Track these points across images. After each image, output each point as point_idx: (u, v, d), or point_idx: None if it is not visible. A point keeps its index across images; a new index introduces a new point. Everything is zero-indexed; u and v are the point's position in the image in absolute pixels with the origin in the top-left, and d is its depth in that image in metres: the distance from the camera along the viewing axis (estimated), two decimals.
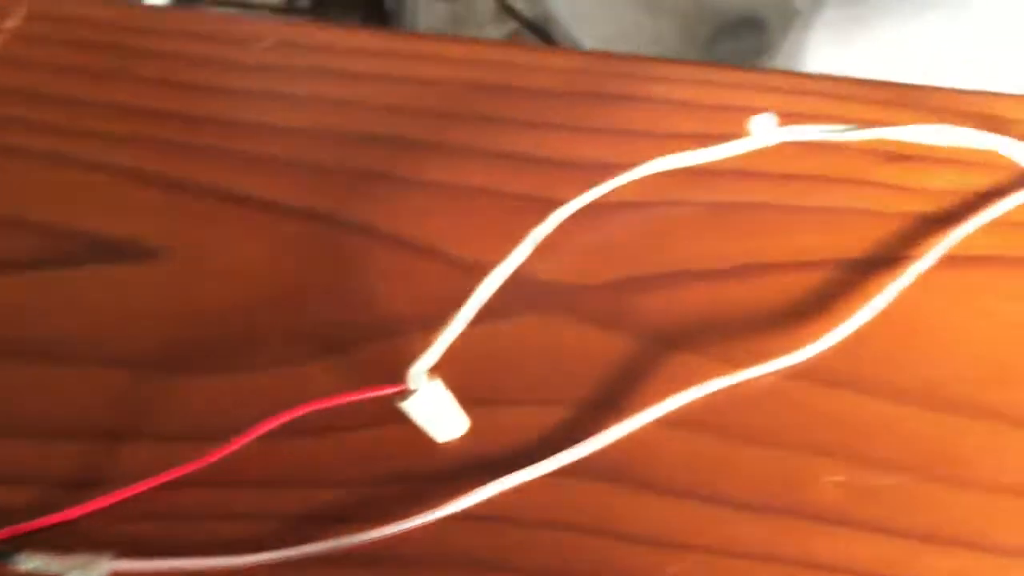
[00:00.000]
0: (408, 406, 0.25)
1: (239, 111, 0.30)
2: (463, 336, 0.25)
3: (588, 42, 1.03)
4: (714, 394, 0.26)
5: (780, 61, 0.78)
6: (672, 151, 0.27)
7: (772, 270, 0.28)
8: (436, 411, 0.25)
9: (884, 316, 0.27)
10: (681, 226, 0.28)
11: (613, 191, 0.27)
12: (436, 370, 0.25)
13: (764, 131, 0.27)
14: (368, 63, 0.31)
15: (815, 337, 0.27)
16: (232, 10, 1.16)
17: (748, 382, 0.26)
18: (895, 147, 0.29)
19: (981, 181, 0.29)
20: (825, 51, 0.69)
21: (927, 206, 0.29)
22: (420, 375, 0.24)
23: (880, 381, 0.27)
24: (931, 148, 0.29)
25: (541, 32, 1.20)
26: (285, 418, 0.24)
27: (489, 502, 0.25)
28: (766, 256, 0.28)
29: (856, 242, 0.28)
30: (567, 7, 1.05)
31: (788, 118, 0.29)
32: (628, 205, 0.28)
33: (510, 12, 1.21)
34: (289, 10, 1.20)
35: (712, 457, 0.26)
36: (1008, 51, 0.61)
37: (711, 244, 0.28)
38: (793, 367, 0.27)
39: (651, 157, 0.27)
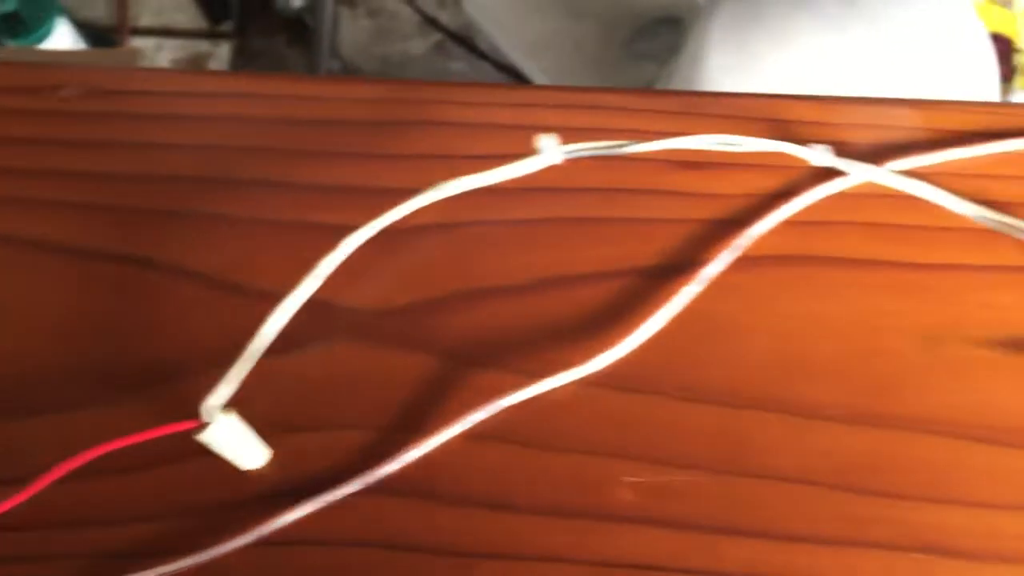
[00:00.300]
0: (206, 439, 0.25)
1: (35, 159, 0.31)
2: (267, 366, 0.26)
3: (511, 50, 1.05)
4: (515, 406, 0.27)
5: (685, 58, 0.79)
6: (466, 173, 0.28)
7: (569, 282, 0.29)
8: (236, 442, 0.26)
9: (680, 320, 0.28)
10: (479, 245, 0.29)
11: (413, 215, 0.28)
12: (239, 401, 0.26)
13: (549, 150, 0.28)
14: (162, 104, 0.32)
15: (612, 345, 0.28)
16: (154, 38, 1.17)
17: (547, 392, 0.27)
18: (687, 156, 0.30)
19: (771, 183, 0.30)
20: (725, 48, 0.70)
21: (719, 211, 0.30)
22: (214, 409, 0.25)
23: (676, 383, 0.28)
24: (723, 155, 0.30)
25: (466, 42, 1.21)
26: (85, 458, 0.25)
27: (296, 526, 0.26)
28: (563, 269, 0.29)
29: (651, 250, 0.29)
30: (489, 17, 1.06)
31: (583, 133, 0.30)
32: (427, 228, 0.29)
33: (434, 24, 1.22)
34: (212, 35, 1.21)
35: (514, 467, 0.27)
36: (900, 52, 0.62)
37: (509, 261, 0.29)
38: (591, 375, 0.28)
39: (445, 180, 0.28)
